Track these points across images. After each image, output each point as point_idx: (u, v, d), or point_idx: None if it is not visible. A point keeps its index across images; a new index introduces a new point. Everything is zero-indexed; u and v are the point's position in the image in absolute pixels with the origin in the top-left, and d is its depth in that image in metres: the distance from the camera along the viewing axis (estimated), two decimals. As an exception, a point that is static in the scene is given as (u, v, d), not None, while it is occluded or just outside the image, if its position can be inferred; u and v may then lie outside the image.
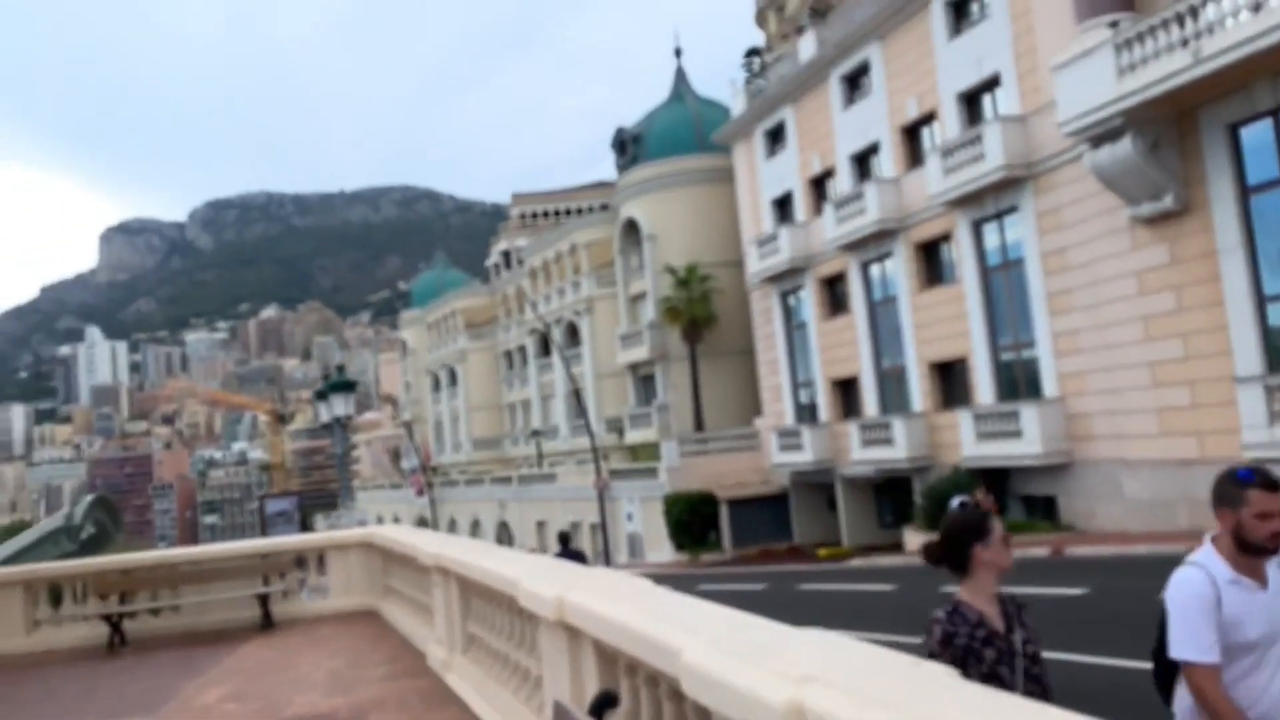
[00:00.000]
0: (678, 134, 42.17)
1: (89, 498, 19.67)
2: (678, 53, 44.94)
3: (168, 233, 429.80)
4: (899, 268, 27.94)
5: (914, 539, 23.87)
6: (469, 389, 64.83)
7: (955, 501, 3.49)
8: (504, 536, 51.37)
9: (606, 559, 38.87)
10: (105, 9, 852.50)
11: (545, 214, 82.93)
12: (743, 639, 2.65)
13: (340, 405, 16.46)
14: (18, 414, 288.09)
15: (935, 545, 3.47)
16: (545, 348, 55.66)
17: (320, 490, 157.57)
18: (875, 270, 29.47)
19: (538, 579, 4.76)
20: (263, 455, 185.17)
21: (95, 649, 10.77)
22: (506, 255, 72.06)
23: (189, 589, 11.40)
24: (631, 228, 43.91)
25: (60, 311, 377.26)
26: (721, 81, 51.02)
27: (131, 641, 10.94)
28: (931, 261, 27.18)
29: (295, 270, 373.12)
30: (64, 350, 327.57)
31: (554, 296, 52.75)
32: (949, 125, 25.46)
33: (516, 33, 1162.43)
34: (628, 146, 43.46)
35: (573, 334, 51.21)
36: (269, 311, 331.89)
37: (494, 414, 63.96)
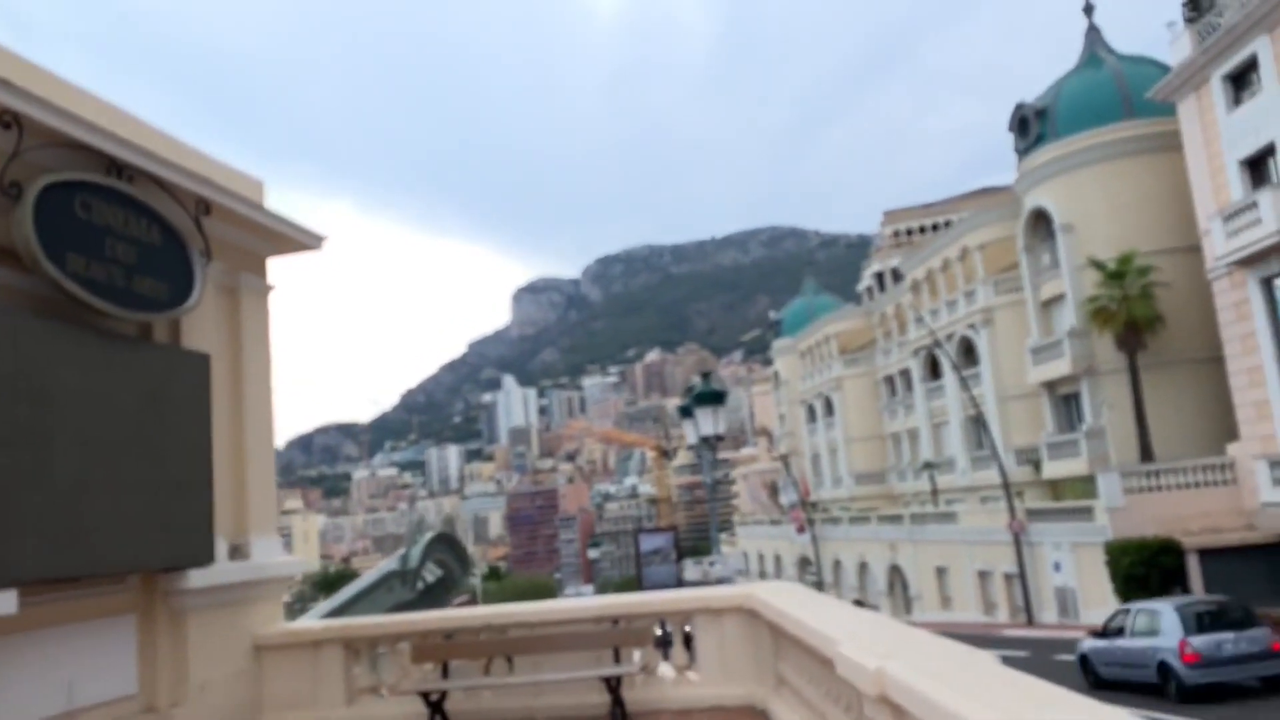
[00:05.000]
0: (1095, 100, 34.75)
1: (428, 535, 18.19)
2: (1088, 9, 37.42)
3: (565, 289, 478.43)
4: None
5: None
6: (847, 419, 60.72)
7: None
8: (896, 581, 46.31)
9: (1029, 615, 32.57)
10: (511, 105, 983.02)
11: (922, 229, 76.50)
12: None
13: (708, 423, 13.26)
14: (453, 454, 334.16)
15: None
16: (934, 370, 49.83)
17: (703, 523, 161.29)
18: None
19: None
20: (651, 489, 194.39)
21: (413, 733, 8.37)
22: (880, 277, 67.14)
23: (523, 661, 8.70)
24: (1040, 219, 37.04)
25: (483, 364, 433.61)
26: (1137, 41, 42.16)
27: (454, 727, 8.41)
28: None
29: (674, 315, 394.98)
30: (486, 397, 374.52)
31: (942, 311, 46.91)
32: None
33: (875, 63, 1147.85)
34: (1030, 124, 36.66)
35: (967, 352, 44.92)
36: (652, 355, 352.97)
37: (875, 445, 59.11)
